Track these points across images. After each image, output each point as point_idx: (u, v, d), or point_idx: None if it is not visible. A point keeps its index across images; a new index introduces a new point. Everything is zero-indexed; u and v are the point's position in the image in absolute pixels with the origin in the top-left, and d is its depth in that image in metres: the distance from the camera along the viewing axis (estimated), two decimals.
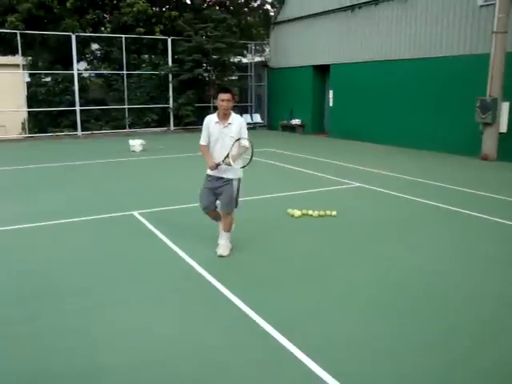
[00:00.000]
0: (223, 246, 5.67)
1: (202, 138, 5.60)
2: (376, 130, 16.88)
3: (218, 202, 5.68)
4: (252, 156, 5.38)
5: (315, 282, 4.96)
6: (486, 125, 12.86)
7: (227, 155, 5.33)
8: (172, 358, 3.54)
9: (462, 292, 4.72)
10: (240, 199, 5.73)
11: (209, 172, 5.59)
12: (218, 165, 5.40)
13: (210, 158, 5.51)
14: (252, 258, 5.70)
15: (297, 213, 7.28)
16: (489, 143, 12.95)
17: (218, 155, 5.45)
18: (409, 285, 4.87)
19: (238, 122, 5.47)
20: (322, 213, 7.31)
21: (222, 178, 5.52)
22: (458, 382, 3.28)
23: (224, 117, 5.43)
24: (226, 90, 5.37)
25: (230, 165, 5.33)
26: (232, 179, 5.53)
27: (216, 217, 5.86)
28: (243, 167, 5.53)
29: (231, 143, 5.38)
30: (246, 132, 5.49)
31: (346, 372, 3.34)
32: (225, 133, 5.42)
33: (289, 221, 7.14)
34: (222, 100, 5.30)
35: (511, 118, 12.83)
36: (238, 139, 5.39)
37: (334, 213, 7.33)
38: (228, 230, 5.71)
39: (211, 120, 5.51)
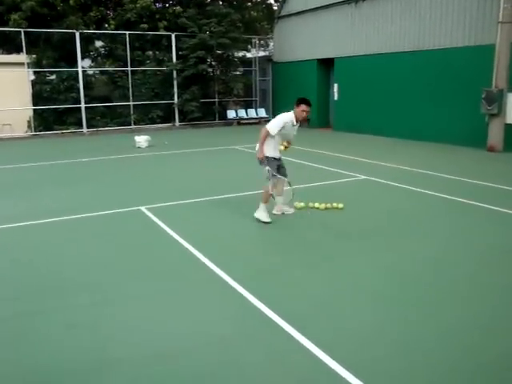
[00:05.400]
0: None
1: (274, 129, 6.44)
2: (381, 122, 16.83)
3: (278, 176, 6.69)
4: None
5: (322, 274, 4.97)
6: (492, 116, 12.81)
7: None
8: (183, 352, 3.57)
9: (472, 283, 4.72)
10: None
11: (276, 155, 6.68)
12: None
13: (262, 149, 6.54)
14: (259, 250, 5.73)
15: (298, 205, 7.29)
16: (495, 134, 12.89)
17: (278, 145, 6.64)
18: (417, 276, 4.87)
19: None
20: (328, 205, 7.32)
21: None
22: (469, 373, 3.29)
23: (297, 120, 6.53)
24: (310, 104, 6.50)
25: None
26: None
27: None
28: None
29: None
30: None
31: (356, 362, 3.36)
32: (294, 130, 6.66)
33: (296, 213, 7.15)
34: (303, 110, 6.43)
35: None
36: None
37: (340, 205, 7.33)
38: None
39: (290, 121, 6.47)
